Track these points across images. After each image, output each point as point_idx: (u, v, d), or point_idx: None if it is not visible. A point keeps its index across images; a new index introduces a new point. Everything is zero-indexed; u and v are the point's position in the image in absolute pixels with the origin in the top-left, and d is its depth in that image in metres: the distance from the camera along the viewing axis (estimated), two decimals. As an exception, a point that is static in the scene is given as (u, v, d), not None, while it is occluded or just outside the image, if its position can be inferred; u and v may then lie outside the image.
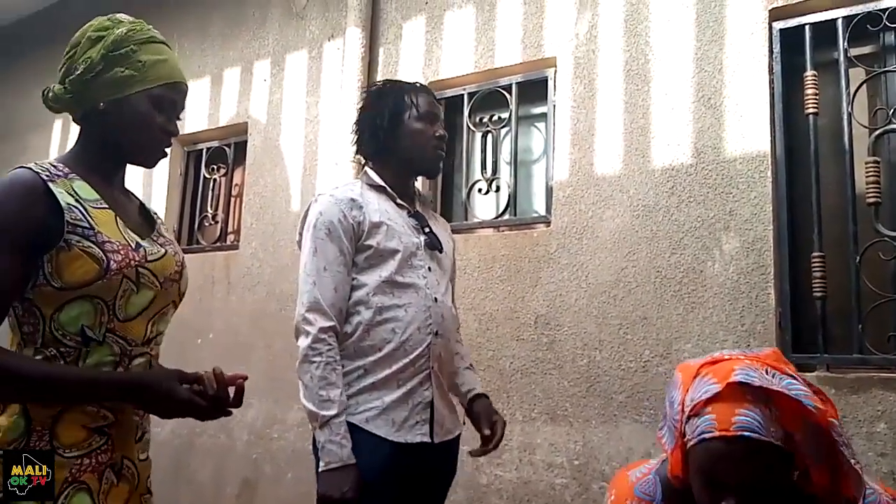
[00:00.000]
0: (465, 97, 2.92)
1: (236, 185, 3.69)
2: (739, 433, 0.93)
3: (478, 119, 2.95)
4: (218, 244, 3.63)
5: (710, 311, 2.21)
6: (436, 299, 1.58)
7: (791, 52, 2.28)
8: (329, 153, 3.18)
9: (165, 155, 1.22)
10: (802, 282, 2.19)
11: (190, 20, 3.87)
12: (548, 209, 2.65)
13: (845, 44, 2.18)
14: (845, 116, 2.16)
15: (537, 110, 2.85)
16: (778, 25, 2.29)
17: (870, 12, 2.16)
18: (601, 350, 2.38)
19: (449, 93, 2.97)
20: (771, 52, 2.27)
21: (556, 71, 2.69)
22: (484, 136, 2.92)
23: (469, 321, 2.64)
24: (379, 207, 1.59)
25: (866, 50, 2.26)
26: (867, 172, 2.11)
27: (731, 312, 2.18)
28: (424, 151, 1.65)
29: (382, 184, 1.64)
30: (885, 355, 2.02)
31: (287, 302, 3.15)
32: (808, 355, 2.13)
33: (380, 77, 3.10)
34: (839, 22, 2.20)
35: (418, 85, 1.71)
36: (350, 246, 1.53)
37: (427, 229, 1.65)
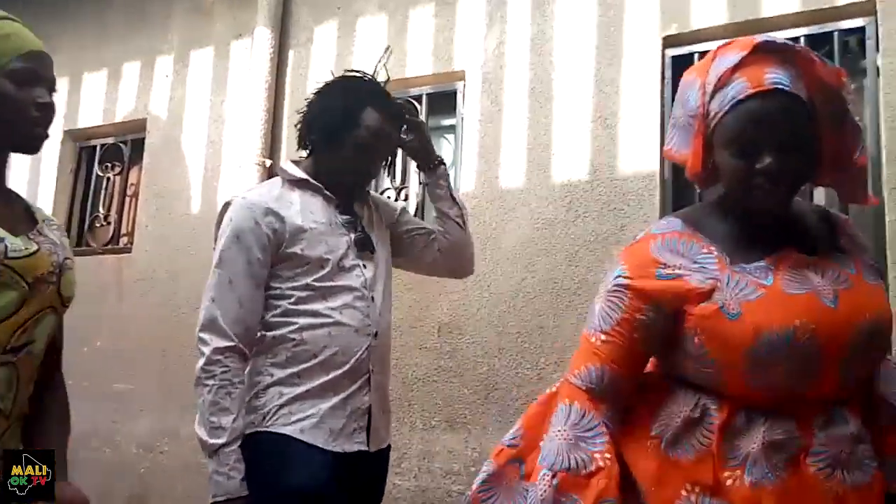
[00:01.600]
0: (375, 105, 2.92)
1: (132, 184, 3.50)
2: (774, 87, 0.91)
3: (387, 127, 2.95)
4: (110, 246, 3.43)
5: (603, 321, 2.31)
6: (373, 298, 1.47)
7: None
8: (233, 155, 3.09)
9: (47, 136, 1.14)
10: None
11: (87, 10, 3.64)
12: (453, 219, 2.68)
13: (728, 74, 2.36)
14: (726, 141, 2.34)
15: (447, 122, 2.89)
16: (670, 52, 2.44)
17: (749, 47, 2.35)
18: (500, 358, 2.43)
19: (359, 100, 2.95)
20: (663, 77, 2.41)
21: (464, 84, 2.74)
22: (393, 145, 2.93)
23: (372, 329, 2.63)
24: (302, 208, 1.45)
25: (747, 81, 2.45)
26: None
27: (622, 323, 2.29)
28: (359, 170, 1.53)
29: (304, 176, 1.50)
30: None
31: (182, 308, 3.02)
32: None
33: (289, 79, 3.05)
34: (723, 54, 2.38)
35: (386, 96, 1.58)
36: (263, 256, 1.40)
37: (359, 228, 1.51)
